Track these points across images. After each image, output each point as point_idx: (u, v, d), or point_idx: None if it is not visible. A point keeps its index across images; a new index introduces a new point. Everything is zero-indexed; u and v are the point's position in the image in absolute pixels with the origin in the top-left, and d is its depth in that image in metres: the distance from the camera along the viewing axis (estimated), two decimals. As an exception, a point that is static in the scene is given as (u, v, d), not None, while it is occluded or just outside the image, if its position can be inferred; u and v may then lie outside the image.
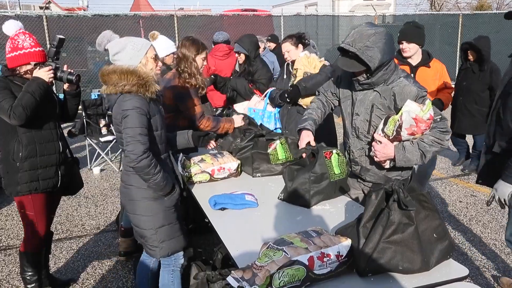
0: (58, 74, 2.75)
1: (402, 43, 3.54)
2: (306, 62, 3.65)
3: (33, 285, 2.89)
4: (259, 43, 6.14)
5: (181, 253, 2.56)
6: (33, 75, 2.65)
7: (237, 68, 4.84)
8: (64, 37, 2.76)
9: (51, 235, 3.14)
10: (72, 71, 2.81)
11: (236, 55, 4.53)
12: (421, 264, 1.66)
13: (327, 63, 3.71)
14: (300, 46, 3.74)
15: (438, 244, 1.72)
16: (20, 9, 15.35)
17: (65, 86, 2.88)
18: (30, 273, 2.87)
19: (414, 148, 2.23)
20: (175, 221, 2.48)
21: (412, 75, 3.50)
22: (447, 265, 1.74)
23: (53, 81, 2.75)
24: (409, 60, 3.61)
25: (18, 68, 2.69)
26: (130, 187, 2.39)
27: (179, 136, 2.78)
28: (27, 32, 2.73)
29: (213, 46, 5.80)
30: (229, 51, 5.50)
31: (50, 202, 2.93)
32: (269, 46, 7.42)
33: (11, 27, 2.69)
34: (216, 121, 3.30)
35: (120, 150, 2.50)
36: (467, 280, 1.71)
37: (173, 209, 2.47)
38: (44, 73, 2.65)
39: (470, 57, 5.25)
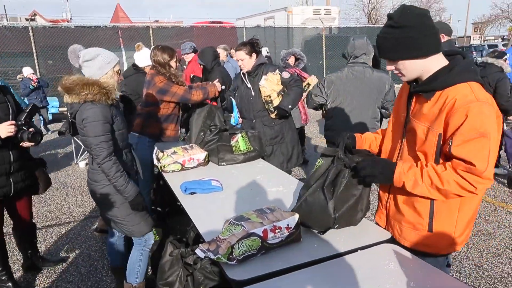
0: (20, 134, 2.50)
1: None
2: (270, 84, 3.23)
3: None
4: (224, 51, 6.15)
5: (151, 234, 2.56)
6: None
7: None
8: (38, 106, 2.53)
9: (34, 227, 3.05)
10: (34, 131, 2.53)
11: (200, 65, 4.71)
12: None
13: (285, 74, 3.28)
14: (254, 55, 3.28)
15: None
16: (7, 20, 14.45)
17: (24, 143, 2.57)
18: None
19: None
20: None
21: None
22: (373, 231, 1.82)
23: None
24: None
25: None
26: (95, 183, 2.36)
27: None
28: None
29: (183, 55, 5.77)
30: None
31: (9, 207, 2.80)
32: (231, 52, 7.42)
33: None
34: (203, 90, 3.35)
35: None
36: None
37: None
38: (4, 128, 2.40)
39: None
